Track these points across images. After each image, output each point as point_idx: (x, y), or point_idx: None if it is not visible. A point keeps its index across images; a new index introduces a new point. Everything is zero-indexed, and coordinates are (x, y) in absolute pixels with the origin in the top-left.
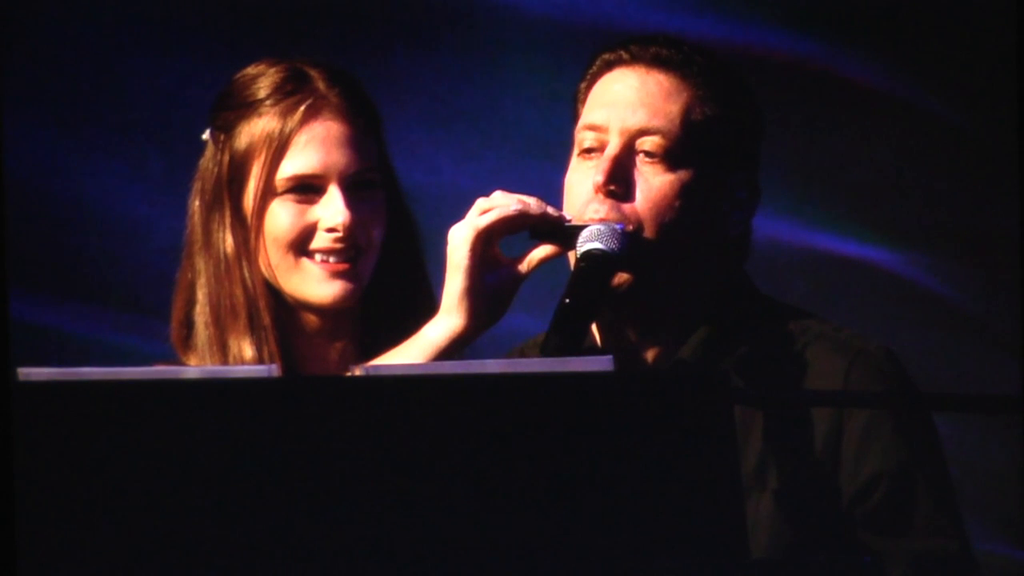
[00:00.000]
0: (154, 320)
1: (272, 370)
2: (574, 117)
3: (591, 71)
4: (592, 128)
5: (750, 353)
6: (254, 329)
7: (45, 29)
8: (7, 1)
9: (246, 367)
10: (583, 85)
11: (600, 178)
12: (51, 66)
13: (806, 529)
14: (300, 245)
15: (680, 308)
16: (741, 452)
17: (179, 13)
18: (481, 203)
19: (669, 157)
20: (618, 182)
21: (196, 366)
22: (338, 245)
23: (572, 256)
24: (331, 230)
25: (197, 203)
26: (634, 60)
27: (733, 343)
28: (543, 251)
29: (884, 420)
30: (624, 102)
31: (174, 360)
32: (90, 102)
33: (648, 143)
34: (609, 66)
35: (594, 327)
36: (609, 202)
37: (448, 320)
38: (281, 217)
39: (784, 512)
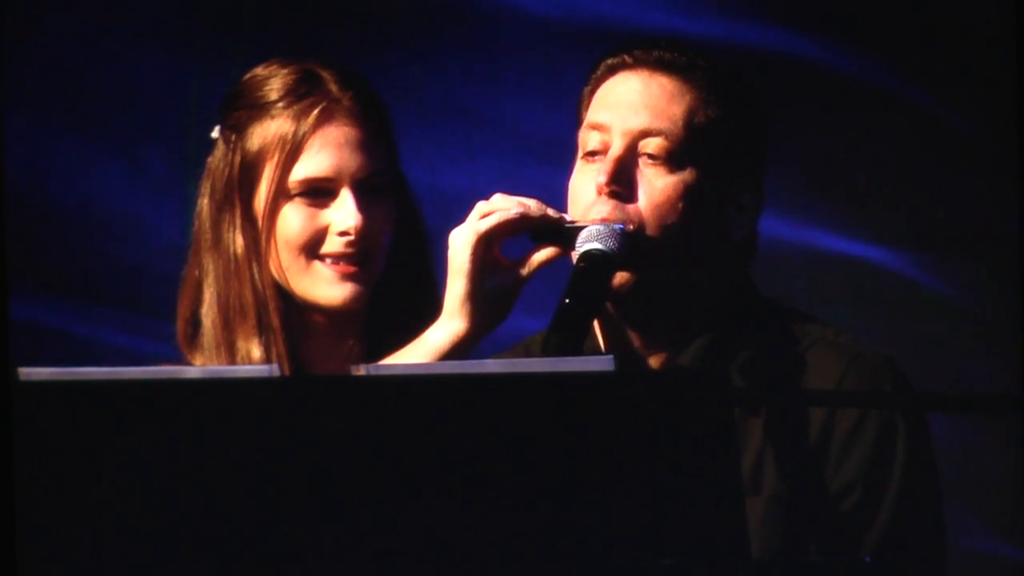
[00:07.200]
0: (154, 320)
1: (273, 370)
2: (578, 121)
3: (595, 75)
4: (595, 129)
5: (751, 357)
6: (263, 330)
7: (45, 29)
8: (7, 1)
9: (247, 367)
10: (587, 89)
11: (603, 178)
12: (51, 66)
13: (803, 530)
14: (312, 248)
15: (682, 310)
16: (740, 453)
17: (179, 12)
18: (481, 206)
19: (671, 159)
20: (621, 183)
21: (199, 366)
22: (349, 249)
23: (574, 257)
24: (343, 233)
25: (206, 201)
26: (637, 64)
27: (734, 347)
28: (544, 253)
29: (868, 428)
30: (627, 104)
31: (176, 360)
32: (90, 102)
33: (651, 145)
34: (613, 70)
35: (597, 331)
36: (612, 202)
37: (451, 324)
38: (293, 220)
39: (780, 513)
